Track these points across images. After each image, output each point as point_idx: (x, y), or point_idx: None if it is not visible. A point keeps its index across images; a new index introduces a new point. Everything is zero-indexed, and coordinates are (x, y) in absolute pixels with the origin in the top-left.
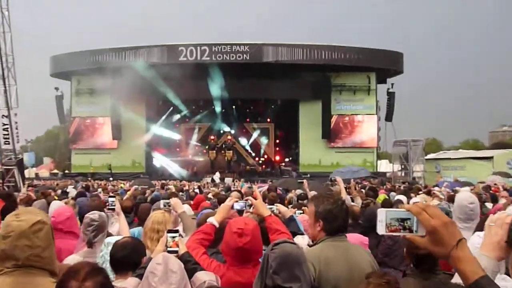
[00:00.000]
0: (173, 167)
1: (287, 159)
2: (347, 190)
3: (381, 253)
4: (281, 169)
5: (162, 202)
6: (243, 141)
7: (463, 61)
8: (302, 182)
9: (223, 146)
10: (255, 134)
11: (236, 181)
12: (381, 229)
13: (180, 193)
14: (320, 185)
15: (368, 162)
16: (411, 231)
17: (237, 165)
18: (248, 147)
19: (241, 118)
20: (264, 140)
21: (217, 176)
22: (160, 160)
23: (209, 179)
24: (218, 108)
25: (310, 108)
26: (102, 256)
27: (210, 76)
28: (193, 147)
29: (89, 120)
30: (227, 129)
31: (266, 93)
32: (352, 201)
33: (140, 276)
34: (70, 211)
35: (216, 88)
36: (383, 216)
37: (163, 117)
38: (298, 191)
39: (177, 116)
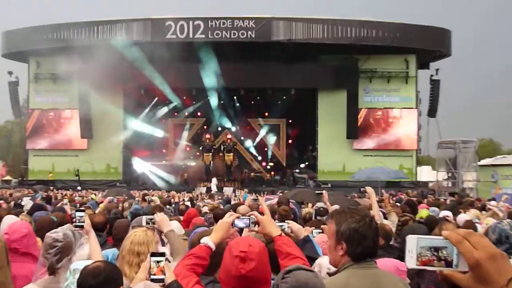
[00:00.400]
0: (158, 174)
1: (302, 164)
2: (379, 204)
3: (431, 282)
4: (294, 177)
5: (144, 218)
6: (247, 141)
7: None
8: (321, 194)
9: (222, 147)
10: (262, 132)
11: (238, 192)
12: (410, 262)
13: (167, 207)
14: (344, 198)
15: (406, 168)
16: (447, 262)
17: (238, 171)
18: (253, 149)
19: (244, 112)
20: (273, 140)
21: (213, 185)
22: (141, 164)
23: (203, 189)
24: (215, 99)
25: (332, 99)
26: (67, 286)
27: (205, 58)
28: (183, 148)
29: (52, 113)
30: (227, 125)
31: (276, 80)
32: (386, 218)
33: None
34: (28, 228)
35: (212, 73)
36: (413, 245)
37: (146, 110)
38: (318, 205)
39: (163, 109)
